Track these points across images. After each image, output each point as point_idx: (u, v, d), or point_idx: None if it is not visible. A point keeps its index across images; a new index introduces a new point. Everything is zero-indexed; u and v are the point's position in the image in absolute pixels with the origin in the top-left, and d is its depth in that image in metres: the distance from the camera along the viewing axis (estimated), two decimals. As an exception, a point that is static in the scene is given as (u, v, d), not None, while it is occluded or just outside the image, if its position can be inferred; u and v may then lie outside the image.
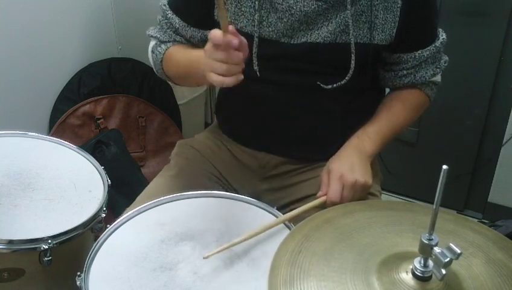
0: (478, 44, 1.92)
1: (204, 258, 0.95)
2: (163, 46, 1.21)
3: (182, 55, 1.17)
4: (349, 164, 1.09)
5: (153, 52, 1.24)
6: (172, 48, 1.20)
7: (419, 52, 1.15)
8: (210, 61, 0.93)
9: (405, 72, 1.18)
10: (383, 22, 1.09)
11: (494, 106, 1.99)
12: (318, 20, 1.09)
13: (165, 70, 1.22)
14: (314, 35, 1.10)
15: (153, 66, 1.26)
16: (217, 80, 0.93)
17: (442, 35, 1.18)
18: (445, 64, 1.20)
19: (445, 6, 1.90)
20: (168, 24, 1.20)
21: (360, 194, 1.09)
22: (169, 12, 1.19)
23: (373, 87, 1.26)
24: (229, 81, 0.93)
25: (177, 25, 1.18)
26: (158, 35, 1.22)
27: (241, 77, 0.94)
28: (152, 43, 1.25)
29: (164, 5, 1.20)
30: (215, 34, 0.90)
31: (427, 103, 1.24)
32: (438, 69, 1.19)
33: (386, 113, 1.20)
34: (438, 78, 1.21)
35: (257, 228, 1.01)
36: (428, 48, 1.15)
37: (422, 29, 1.14)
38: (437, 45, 1.16)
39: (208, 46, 0.94)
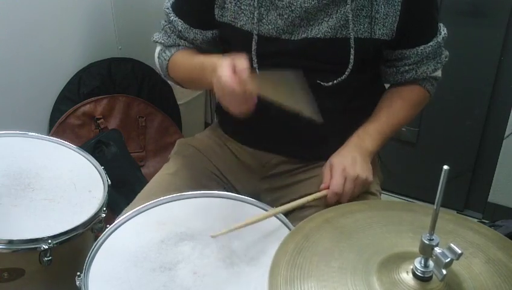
0: (478, 44, 1.92)
1: (212, 237, 1.00)
2: (167, 52, 1.24)
3: (186, 61, 1.21)
4: (351, 159, 1.10)
5: (159, 57, 1.27)
6: (177, 54, 1.24)
7: (422, 47, 1.15)
8: (219, 92, 0.99)
9: (407, 67, 1.18)
10: (384, 17, 1.09)
11: (494, 106, 1.99)
12: (318, 15, 1.09)
13: (171, 76, 1.27)
14: (315, 31, 1.10)
15: (160, 71, 1.30)
16: (224, 104, 1.01)
17: (444, 30, 1.18)
18: (446, 60, 1.21)
19: (445, 6, 1.89)
20: (172, 28, 1.22)
21: (360, 190, 1.10)
22: (172, 15, 1.21)
23: (372, 86, 1.26)
24: (235, 113, 1.00)
25: (180, 28, 1.20)
26: (163, 41, 1.24)
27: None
28: (158, 48, 1.28)
29: (167, 8, 1.22)
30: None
31: (427, 99, 1.24)
32: (439, 64, 1.19)
33: (386, 110, 1.20)
34: (439, 73, 1.21)
35: (261, 214, 1.04)
36: (431, 43, 1.15)
37: (423, 23, 1.15)
38: (439, 40, 1.16)
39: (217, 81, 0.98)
